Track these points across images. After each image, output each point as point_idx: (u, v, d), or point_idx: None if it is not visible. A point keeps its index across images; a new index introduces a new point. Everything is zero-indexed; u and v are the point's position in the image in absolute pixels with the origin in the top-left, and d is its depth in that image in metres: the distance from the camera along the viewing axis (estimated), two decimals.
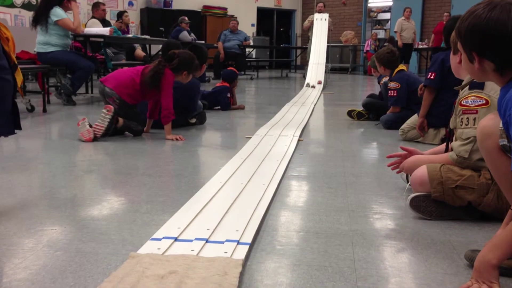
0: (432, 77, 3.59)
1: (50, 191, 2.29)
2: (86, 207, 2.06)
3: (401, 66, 4.47)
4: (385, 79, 4.68)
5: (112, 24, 8.29)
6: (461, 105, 1.99)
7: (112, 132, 3.58)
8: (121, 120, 3.64)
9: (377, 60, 4.51)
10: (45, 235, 1.72)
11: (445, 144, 2.24)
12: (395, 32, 11.79)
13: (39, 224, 1.82)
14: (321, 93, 7.70)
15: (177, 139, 3.58)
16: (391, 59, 4.45)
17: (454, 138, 2.10)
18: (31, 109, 5.02)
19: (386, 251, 1.63)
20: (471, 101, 1.95)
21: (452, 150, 2.01)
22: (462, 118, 1.97)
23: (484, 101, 1.91)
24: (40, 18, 5.66)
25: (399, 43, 11.32)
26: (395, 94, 4.28)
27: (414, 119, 3.75)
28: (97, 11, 8.03)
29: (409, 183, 2.14)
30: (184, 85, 3.92)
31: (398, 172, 2.32)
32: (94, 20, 7.89)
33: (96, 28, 7.01)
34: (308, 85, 8.53)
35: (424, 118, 3.64)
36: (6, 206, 2.03)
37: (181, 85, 3.90)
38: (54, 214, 1.95)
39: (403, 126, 3.79)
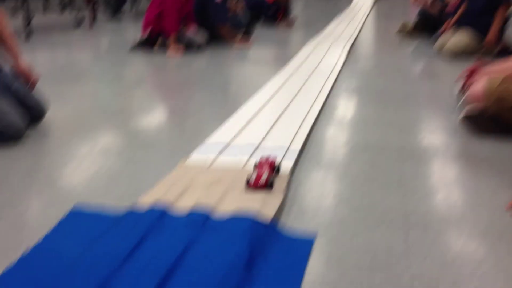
0: None
1: (102, 102, 2.35)
2: (136, 117, 2.10)
3: None
4: None
5: None
6: None
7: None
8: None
9: None
10: (98, 143, 1.78)
11: None
12: None
13: (92, 133, 1.88)
14: (373, 6, 7.35)
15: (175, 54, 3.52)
16: None
17: None
18: (79, 23, 5.05)
19: (434, 166, 1.60)
20: None
21: None
22: None
23: None
24: None
25: None
26: (453, 10, 4.02)
27: (461, 38, 3.55)
28: None
29: (462, 99, 2.06)
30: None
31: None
32: None
33: None
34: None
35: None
36: (61, 116, 2.09)
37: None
38: (106, 124, 2.00)
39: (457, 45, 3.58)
